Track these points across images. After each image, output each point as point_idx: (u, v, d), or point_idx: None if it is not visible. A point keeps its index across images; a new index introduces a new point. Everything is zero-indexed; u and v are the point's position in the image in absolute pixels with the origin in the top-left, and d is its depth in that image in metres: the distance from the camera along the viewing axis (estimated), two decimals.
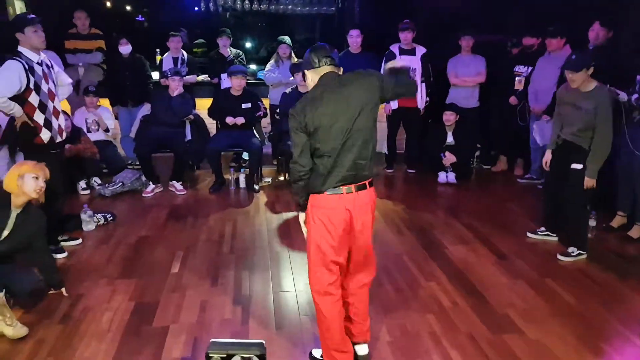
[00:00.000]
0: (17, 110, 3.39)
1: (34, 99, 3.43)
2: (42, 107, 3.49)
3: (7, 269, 2.90)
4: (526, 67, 5.48)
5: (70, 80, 3.99)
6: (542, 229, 4.13)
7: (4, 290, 2.75)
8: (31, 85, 3.40)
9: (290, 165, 2.31)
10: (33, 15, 3.46)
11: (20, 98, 3.37)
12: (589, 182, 3.55)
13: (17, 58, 3.35)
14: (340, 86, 2.22)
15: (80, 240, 3.98)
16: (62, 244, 3.88)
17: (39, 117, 3.48)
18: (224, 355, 1.27)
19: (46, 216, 3.12)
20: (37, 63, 3.46)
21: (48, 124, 3.54)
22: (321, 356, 2.47)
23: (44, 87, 3.50)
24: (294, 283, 3.36)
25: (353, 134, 2.21)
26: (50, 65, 3.64)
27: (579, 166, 3.60)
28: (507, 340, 2.74)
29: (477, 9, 5.99)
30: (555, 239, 4.05)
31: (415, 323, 2.90)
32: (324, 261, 2.31)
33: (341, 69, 2.33)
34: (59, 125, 3.66)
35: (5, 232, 2.91)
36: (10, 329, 2.71)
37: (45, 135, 3.52)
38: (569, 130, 3.67)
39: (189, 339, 2.74)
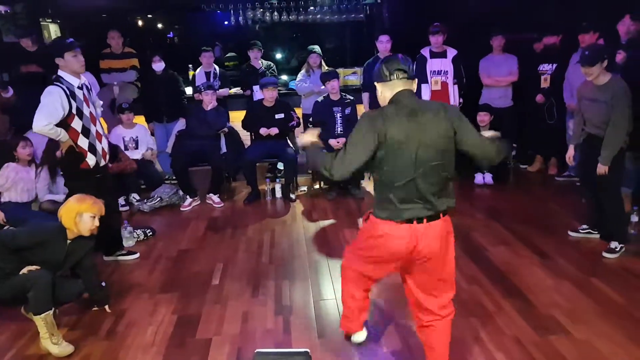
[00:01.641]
0: (63, 135, 3.42)
1: (77, 124, 3.45)
2: (86, 131, 3.51)
3: (55, 281, 2.97)
4: (550, 64, 5.44)
5: (100, 102, 4.03)
6: (584, 226, 4.02)
7: (52, 309, 2.83)
8: (73, 111, 3.41)
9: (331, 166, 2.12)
10: (72, 40, 3.49)
11: (63, 124, 3.39)
12: (601, 168, 3.52)
13: (58, 84, 3.39)
14: (415, 110, 2.08)
15: (137, 255, 4.06)
16: (120, 258, 4.01)
17: (83, 142, 3.50)
18: None
19: (102, 233, 3.16)
20: (78, 87, 3.49)
21: (92, 149, 3.56)
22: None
23: (86, 111, 3.52)
24: (334, 291, 3.36)
25: (424, 162, 2.06)
26: (89, 87, 3.69)
27: None
28: (553, 341, 2.68)
29: (507, 8, 5.90)
30: (597, 236, 3.94)
31: (459, 328, 2.84)
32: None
33: (416, 81, 2.22)
34: (103, 149, 3.67)
35: (60, 265, 3.00)
36: (57, 348, 2.77)
37: (91, 160, 3.55)
38: (590, 124, 3.65)
39: (233, 350, 2.77)
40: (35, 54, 5.51)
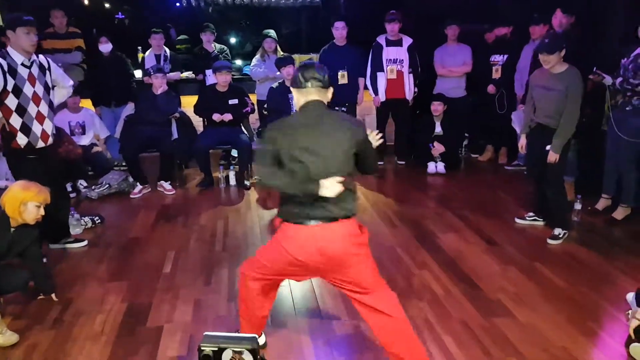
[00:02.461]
0: None
1: (11, 101, 3.32)
2: (21, 110, 3.37)
3: None
4: (502, 55, 5.57)
5: (70, 82, 3.89)
6: (530, 214, 4.18)
7: None
8: (9, 87, 3.28)
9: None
10: (30, 17, 3.33)
11: None
12: (552, 156, 3.63)
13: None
14: (321, 123, 2.12)
15: (86, 242, 3.96)
16: (67, 246, 3.88)
17: (16, 121, 3.37)
18: (216, 349, 1.28)
19: (48, 220, 3.05)
20: (23, 65, 3.34)
21: (26, 129, 3.41)
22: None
23: (27, 90, 3.38)
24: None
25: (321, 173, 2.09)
26: (47, 67, 3.53)
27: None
28: (499, 324, 2.78)
29: None
30: (542, 223, 4.10)
31: (409, 311, 2.85)
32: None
33: (330, 90, 2.22)
34: (43, 130, 3.51)
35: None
36: (0, 337, 2.68)
37: (21, 140, 3.41)
38: (541, 113, 3.74)
39: (185, 337, 2.73)
40: None
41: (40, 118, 3.48)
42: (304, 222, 2.14)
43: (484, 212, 4.43)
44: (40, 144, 3.51)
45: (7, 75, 3.26)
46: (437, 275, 3.35)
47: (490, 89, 5.65)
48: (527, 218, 4.17)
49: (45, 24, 5.79)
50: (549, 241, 3.80)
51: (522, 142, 4.04)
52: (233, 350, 1.32)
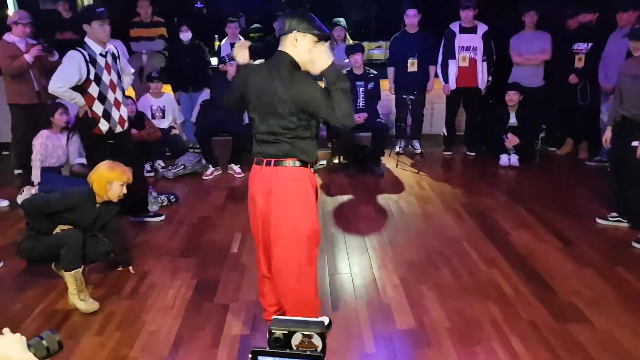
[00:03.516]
0: (79, 99, 3.53)
1: (93, 89, 3.54)
2: (102, 98, 3.58)
3: (85, 240, 3.08)
4: (586, 43, 5.23)
5: (132, 70, 4.13)
6: (614, 214, 3.90)
7: (82, 266, 2.95)
8: (91, 77, 3.50)
9: None
10: (103, 9, 3.57)
11: (80, 88, 3.49)
12: None
13: (79, 49, 3.48)
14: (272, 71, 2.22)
15: (163, 217, 4.19)
16: (147, 219, 4.15)
17: (98, 108, 3.58)
18: (286, 332, 1.31)
19: (129, 197, 3.25)
20: (101, 54, 3.56)
21: (107, 115, 3.62)
22: None
23: (105, 78, 3.59)
24: (349, 266, 3.37)
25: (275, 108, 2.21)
26: (117, 55, 3.74)
27: (638, 143, 3.41)
28: (572, 329, 2.63)
29: None
30: (627, 224, 3.82)
31: (474, 309, 2.83)
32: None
33: (290, 35, 2.20)
34: (120, 116, 3.72)
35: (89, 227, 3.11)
36: (83, 304, 2.89)
37: (103, 126, 3.63)
38: (629, 105, 3.50)
39: (249, 317, 2.81)
40: (70, 20, 5.61)
41: (117, 104, 3.70)
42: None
43: (560, 210, 4.19)
44: (119, 129, 3.74)
45: (89, 65, 3.49)
46: (506, 273, 3.22)
47: (572, 79, 5.31)
48: (610, 219, 3.90)
49: (132, 13, 6.11)
50: (634, 244, 3.53)
51: (607, 135, 3.79)
52: (302, 334, 1.34)
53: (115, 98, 3.68)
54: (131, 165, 3.20)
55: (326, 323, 2.60)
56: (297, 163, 2.28)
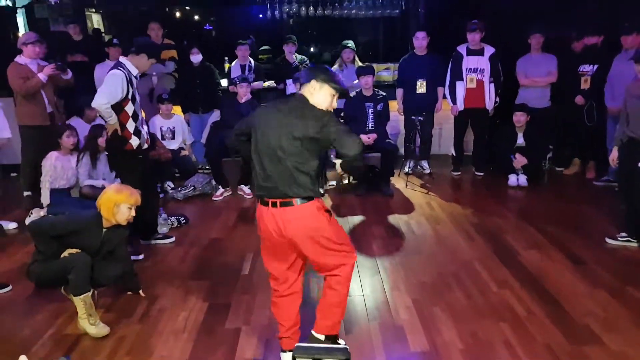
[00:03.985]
0: (113, 118, 3.64)
1: (129, 108, 3.68)
2: (135, 116, 3.74)
3: (94, 264, 3.06)
4: (591, 65, 5.30)
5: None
6: (623, 234, 3.90)
7: (91, 290, 2.94)
8: (129, 96, 3.65)
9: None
10: (158, 49, 3.87)
11: (118, 106, 3.62)
12: None
13: (122, 69, 3.62)
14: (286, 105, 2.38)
15: (173, 238, 4.18)
16: (157, 242, 4.16)
17: (131, 126, 3.72)
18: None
19: (141, 217, 3.27)
20: (135, 77, 3.76)
21: (138, 132, 3.77)
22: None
23: (138, 98, 3.79)
24: (361, 287, 3.37)
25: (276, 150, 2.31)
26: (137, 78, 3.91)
27: None
28: (587, 351, 2.61)
29: (546, 6, 5.77)
30: (637, 244, 3.82)
31: (488, 331, 2.82)
32: None
33: (311, 84, 2.38)
34: (146, 133, 3.91)
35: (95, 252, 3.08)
36: (94, 328, 2.86)
37: (134, 142, 3.76)
38: (635, 126, 3.52)
39: (261, 340, 2.81)
40: (81, 43, 5.69)
41: (143, 122, 3.90)
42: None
43: (569, 230, 4.19)
44: (145, 146, 3.90)
45: (129, 84, 3.64)
46: (518, 294, 3.21)
47: (579, 100, 5.36)
48: (620, 239, 3.90)
49: (143, 35, 6.21)
50: None
51: (614, 155, 3.82)
52: None
53: (143, 117, 3.88)
54: (150, 182, 3.23)
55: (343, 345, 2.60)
56: (303, 200, 2.34)
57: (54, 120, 5.05)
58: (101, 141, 4.57)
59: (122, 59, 3.74)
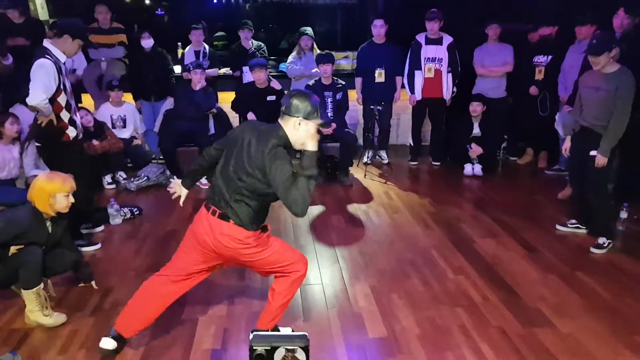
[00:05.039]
0: (49, 110, 3.40)
1: (62, 98, 3.45)
2: (68, 105, 3.50)
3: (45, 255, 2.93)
4: (545, 56, 5.42)
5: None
6: (573, 221, 4.04)
7: (42, 284, 2.81)
8: (61, 86, 3.41)
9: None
10: (86, 33, 3.56)
11: (51, 98, 3.37)
12: (601, 160, 3.51)
13: (49, 57, 3.34)
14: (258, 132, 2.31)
15: (99, 245, 3.86)
16: (81, 247, 3.77)
17: (65, 116, 3.50)
18: (268, 348, 1.28)
19: (73, 211, 3.09)
20: (63, 63, 3.51)
21: (73, 122, 3.56)
22: None
23: (68, 86, 3.54)
24: (320, 276, 3.35)
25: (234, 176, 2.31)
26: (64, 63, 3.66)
27: (596, 153, 3.55)
28: (538, 334, 2.70)
29: None
30: (585, 231, 3.96)
31: (444, 317, 2.86)
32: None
33: (289, 119, 2.28)
34: (80, 122, 3.72)
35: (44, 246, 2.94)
36: (49, 319, 2.78)
37: (72, 132, 3.55)
38: (588, 115, 3.62)
39: (219, 330, 2.76)
40: (22, 26, 5.37)
41: (75, 111, 3.66)
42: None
43: (522, 218, 4.31)
44: (80, 135, 3.70)
45: (58, 73, 3.39)
46: (474, 280, 3.27)
47: (533, 90, 5.49)
48: (569, 225, 4.04)
49: (89, 19, 5.93)
50: (593, 250, 3.66)
51: (567, 144, 3.92)
52: (286, 349, 1.32)
53: (74, 105, 3.64)
54: (93, 173, 3.07)
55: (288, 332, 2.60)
56: (236, 223, 2.34)
57: None
58: (9, 129, 4.32)
59: (46, 43, 3.43)
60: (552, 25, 5.34)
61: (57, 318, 2.81)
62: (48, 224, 2.92)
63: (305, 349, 1.26)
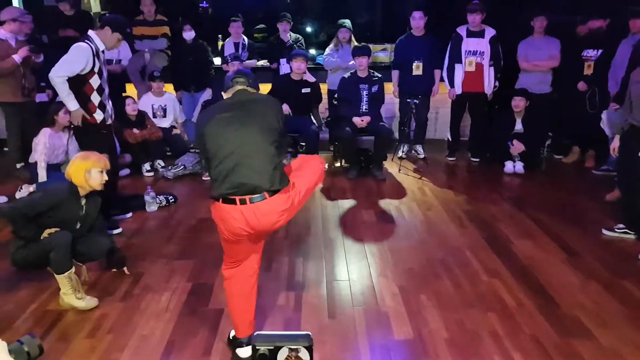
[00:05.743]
0: (74, 104, 3.56)
1: (95, 81, 3.61)
2: (100, 90, 3.67)
3: (81, 240, 3.04)
4: (595, 50, 5.17)
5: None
6: (620, 225, 3.81)
7: (73, 268, 2.90)
8: (95, 69, 3.58)
9: None
10: (129, 29, 3.74)
11: (82, 78, 3.54)
12: None
13: (88, 42, 3.54)
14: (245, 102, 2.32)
15: (120, 229, 3.92)
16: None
17: (96, 98, 3.65)
18: (271, 347, 1.25)
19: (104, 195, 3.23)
20: (102, 51, 3.69)
21: (102, 106, 3.70)
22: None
23: (105, 72, 3.72)
24: (348, 272, 3.30)
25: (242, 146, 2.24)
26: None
27: None
28: (576, 345, 2.54)
29: None
30: (634, 237, 3.73)
31: (475, 321, 2.75)
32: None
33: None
34: (111, 109, 3.84)
35: (78, 223, 3.06)
36: (82, 302, 2.87)
37: (98, 116, 3.69)
38: (638, 114, 3.40)
39: None
40: (73, 18, 5.61)
41: (108, 98, 3.81)
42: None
43: (565, 219, 4.10)
44: (109, 121, 3.82)
45: (95, 57, 3.57)
46: (508, 284, 3.13)
47: (581, 86, 5.24)
48: (617, 230, 3.81)
49: (135, 11, 6.08)
50: None
51: (615, 144, 3.70)
52: (289, 348, 1.29)
53: (108, 92, 3.79)
54: (114, 160, 3.18)
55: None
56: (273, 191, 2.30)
57: (32, 96, 5.03)
58: (62, 117, 4.54)
59: (90, 32, 3.67)
60: (602, 17, 5.06)
61: (89, 302, 2.89)
62: (83, 201, 3.03)
63: (309, 349, 1.23)
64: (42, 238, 2.87)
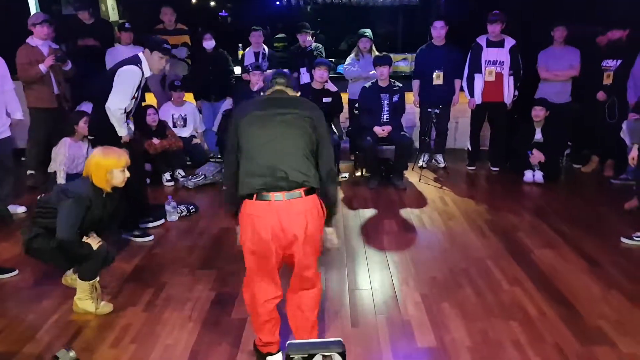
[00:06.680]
0: (124, 130, 3.59)
1: (128, 105, 3.62)
2: (129, 113, 3.70)
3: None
4: (615, 60, 5.17)
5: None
6: (639, 234, 3.80)
7: (97, 277, 2.94)
8: (135, 94, 3.62)
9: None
10: (169, 46, 3.68)
11: None
12: None
13: (140, 66, 3.54)
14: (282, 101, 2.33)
15: (152, 237, 4.00)
16: (136, 239, 3.95)
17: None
18: (305, 356, 1.29)
19: (129, 202, 3.24)
20: (145, 78, 3.70)
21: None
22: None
23: (139, 97, 3.74)
24: (370, 281, 3.33)
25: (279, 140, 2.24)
26: None
27: None
28: (598, 353, 2.55)
29: None
30: None
31: (497, 330, 2.77)
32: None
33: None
34: (132, 127, 3.86)
35: (101, 221, 3.03)
36: (96, 306, 2.93)
37: (121, 132, 3.66)
38: None
39: None
40: (92, 27, 5.67)
41: (130, 116, 3.81)
42: None
43: (585, 229, 4.09)
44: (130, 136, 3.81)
45: (139, 84, 3.60)
46: (530, 293, 3.14)
47: (601, 95, 5.22)
48: (635, 238, 3.80)
49: (155, 20, 6.17)
50: None
51: (634, 153, 3.73)
52: (323, 355, 1.33)
53: (133, 112, 3.82)
54: (134, 172, 3.12)
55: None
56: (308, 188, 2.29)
57: (62, 104, 5.07)
58: (82, 127, 4.52)
59: (140, 55, 3.64)
60: (622, 28, 5.05)
61: (103, 307, 2.92)
62: (104, 197, 2.97)
63: (342, 355, 1.26)
64: (84, 241, 2.84)
